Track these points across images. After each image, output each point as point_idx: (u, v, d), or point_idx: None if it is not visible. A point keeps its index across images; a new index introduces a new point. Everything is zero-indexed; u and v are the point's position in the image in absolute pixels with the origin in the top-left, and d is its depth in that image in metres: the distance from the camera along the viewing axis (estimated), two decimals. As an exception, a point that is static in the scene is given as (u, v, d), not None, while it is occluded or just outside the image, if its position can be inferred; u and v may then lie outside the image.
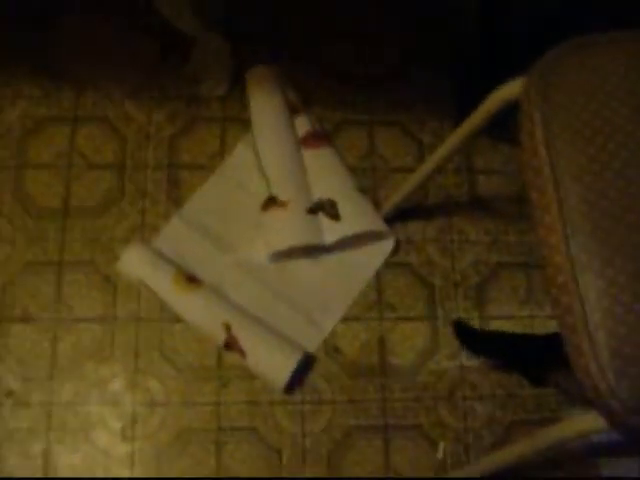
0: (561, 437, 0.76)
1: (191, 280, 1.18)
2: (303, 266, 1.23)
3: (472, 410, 1.19)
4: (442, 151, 0.99)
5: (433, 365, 1.21)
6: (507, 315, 1.25)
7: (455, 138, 0.95)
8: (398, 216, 1.26)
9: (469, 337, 1.24)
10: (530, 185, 0.73)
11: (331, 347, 1.20)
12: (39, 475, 1.09)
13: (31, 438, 1.10)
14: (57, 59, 1.30)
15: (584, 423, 0.70)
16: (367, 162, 1.31)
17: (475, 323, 1.24)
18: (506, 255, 1.28)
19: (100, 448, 1.11)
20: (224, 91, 1.31)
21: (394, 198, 1.21)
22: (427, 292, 1.24)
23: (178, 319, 1.17)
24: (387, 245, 1.25)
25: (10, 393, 1.12)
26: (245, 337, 1.14)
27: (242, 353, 1.14)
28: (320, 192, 1.23)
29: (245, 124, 1.29)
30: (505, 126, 1.00)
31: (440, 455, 1.17)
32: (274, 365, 1.14)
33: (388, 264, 1.24)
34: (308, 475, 1.13)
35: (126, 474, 1.10)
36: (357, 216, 1.22)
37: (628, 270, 0.67)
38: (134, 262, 1.19)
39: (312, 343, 1.19)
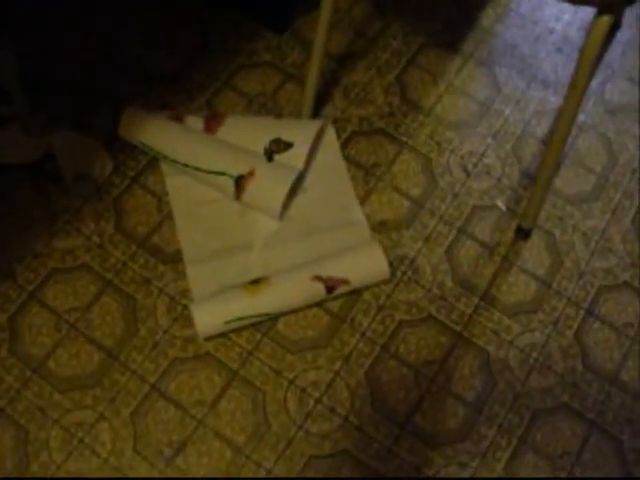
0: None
1: (255, 282, 1.21)
2: (302, 200, 1.33)
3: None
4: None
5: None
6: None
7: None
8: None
9: None
10: None
11: (376, 223, 1.33)
12: None
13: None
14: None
15: None
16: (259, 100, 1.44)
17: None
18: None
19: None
20: (112, 163, 1.31)
21: (307, 100, 1.36)
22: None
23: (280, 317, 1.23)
24: (329, 131, 1.40)
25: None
26: (333, 267, 1.22)
27: (344, 280, 1.22)
28: (259, 143, 1.32)
29: (151, 166, 1.34)
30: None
31: (503, 207, 1.37)
32: (371, 263, 1.25)
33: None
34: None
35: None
36: (298, 131, 1.34)
37: None
38: (209, 317, 1.18)
39: (364, 232, 1.31)
